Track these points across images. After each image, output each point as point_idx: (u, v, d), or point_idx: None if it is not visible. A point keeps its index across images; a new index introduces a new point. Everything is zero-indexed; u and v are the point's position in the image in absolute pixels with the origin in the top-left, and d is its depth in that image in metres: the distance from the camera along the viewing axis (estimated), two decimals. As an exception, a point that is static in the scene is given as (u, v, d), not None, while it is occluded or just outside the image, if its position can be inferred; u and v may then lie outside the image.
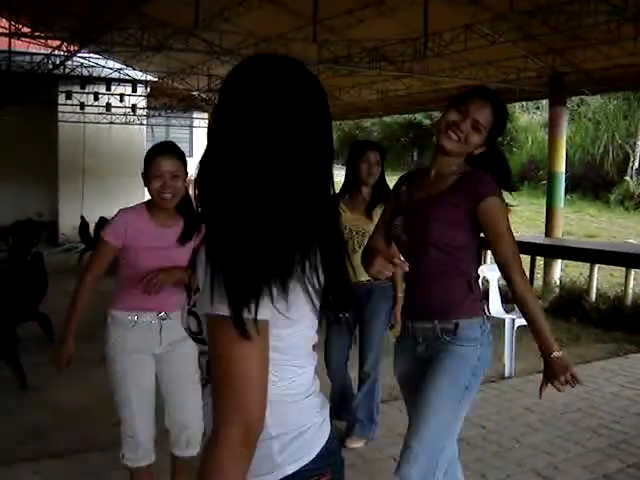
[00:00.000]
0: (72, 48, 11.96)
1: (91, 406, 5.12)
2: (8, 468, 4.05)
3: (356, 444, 4.51)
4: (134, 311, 3.21)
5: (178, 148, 3.26)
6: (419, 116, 28.58)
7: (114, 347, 3.23)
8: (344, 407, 4.64)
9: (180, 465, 3.43)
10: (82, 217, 14.00)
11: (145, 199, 3.37)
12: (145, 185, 3.21)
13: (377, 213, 4.18)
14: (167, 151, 3.19)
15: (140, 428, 3.26)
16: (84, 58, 14.51)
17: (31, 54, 14.14)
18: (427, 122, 29.68)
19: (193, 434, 3.28)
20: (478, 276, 2.89)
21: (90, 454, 4.32)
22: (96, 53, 14.89)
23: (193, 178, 1.43)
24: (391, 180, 4.00)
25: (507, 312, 6.83)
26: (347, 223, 4.33)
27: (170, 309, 3.19)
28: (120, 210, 3.30)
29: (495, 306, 6.84)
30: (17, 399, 5.45)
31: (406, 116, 27.97)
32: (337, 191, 2.72)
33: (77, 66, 14.36)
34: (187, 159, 3.27)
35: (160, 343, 3.25)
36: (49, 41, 12.51)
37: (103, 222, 8.25)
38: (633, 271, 8.84)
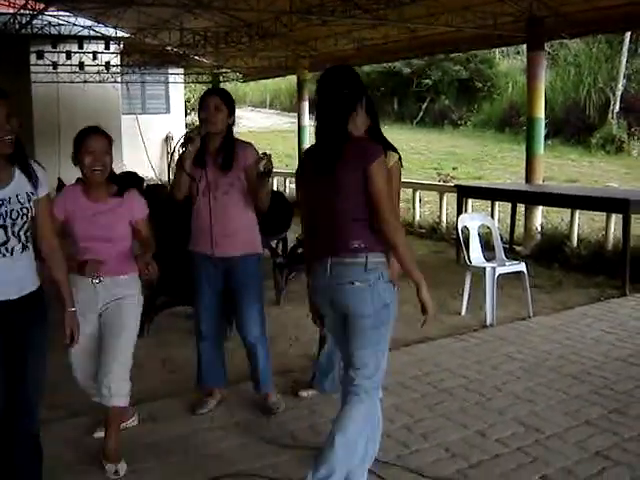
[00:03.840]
0: (38, 6, 11.63)
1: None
2: None
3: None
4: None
5: (105, 131, 3.63)
6: (398, 65, 28.19)
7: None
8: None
9: (109, 415, 3.69)
10: (59, 179, 13.78)
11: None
12: (76, 164, 3.59)
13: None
14: (97, 131, 3.58)
15: (80, 377, 3.83)
16: (53, 16, 14.14)
17: (-3, 14, 13.76)
18: (407, 71, 29.30)
19: (117, 385, 3.60)
20: None
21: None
22: (65, 11, 14.53)
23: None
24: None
25: (487, 260, 6.82)
26: None
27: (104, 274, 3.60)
28: (64, 187, 3.85)
29: (476, 255, 6.82)
30: None
31: (385, 65, 27.63)
32: None
33: (46, 24, 14.02)
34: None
35: (97, 303, 3.66)
36: (15, 0, 12.17)
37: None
38: (614, 216, 8.81)
